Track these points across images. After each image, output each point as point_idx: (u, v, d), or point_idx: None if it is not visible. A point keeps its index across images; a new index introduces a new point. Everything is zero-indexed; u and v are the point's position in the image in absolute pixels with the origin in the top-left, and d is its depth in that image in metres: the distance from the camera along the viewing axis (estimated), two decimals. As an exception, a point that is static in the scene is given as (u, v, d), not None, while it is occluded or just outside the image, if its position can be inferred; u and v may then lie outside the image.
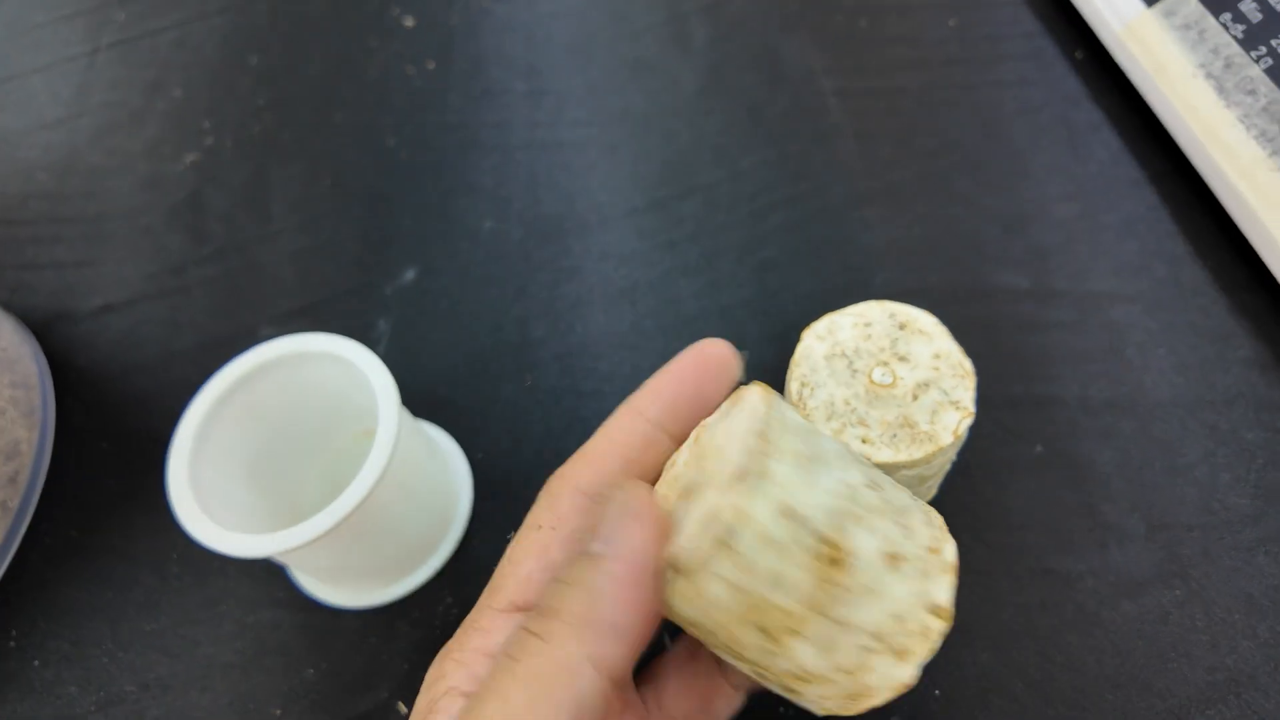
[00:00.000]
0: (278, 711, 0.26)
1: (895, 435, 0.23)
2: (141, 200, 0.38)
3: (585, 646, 0.16)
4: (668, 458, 0.20)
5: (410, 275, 0.35)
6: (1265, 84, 0.32)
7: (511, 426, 0.31)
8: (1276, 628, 0.25)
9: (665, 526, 0.17)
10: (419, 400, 0.31)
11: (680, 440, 0.20)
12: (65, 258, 0.37)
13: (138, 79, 0.42)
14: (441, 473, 0.29)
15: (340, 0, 0.44)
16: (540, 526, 0.19)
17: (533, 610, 0.17)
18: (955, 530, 0.27)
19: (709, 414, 0.20)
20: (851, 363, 0.25)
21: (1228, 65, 0.33)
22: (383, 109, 0.40)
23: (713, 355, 0.20)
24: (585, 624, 0.16)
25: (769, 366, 0.31)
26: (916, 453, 0.23)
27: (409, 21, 0.43)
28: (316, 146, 0.39)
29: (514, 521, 0.25)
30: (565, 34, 0.41)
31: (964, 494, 0.28)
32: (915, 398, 0.24)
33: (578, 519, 0.19)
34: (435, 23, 0.43)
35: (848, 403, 0.24)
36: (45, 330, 0.35)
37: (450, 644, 0.19)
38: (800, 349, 0.25)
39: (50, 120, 0.41)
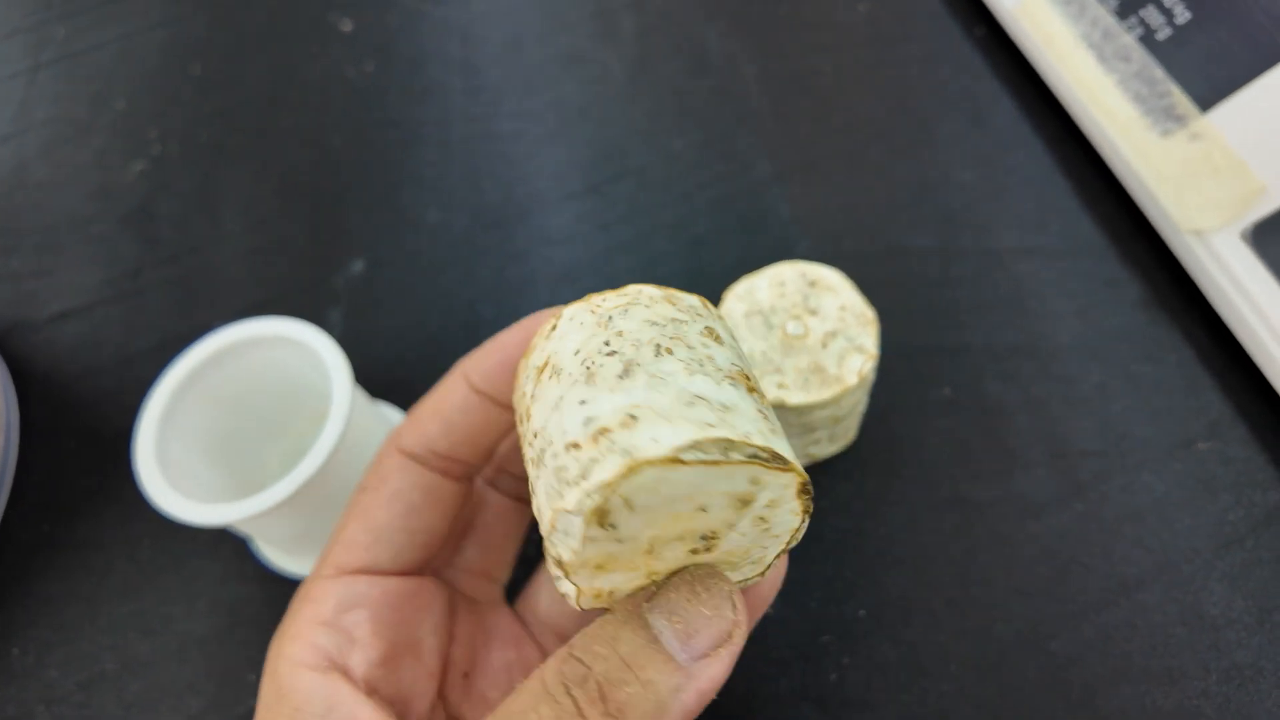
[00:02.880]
0: (253, 678, 0.28)
1: (807, 380, 0.26)
2: (93, 209, 0.39)
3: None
4: (487, 421, 0.20)
5: (359, 267, 0.36)
6: (1137, 51, 0.35)
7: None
8: (1161, 536, 0.28)
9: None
10: (375, 383, 0.33)
11: (502, 402, 0.20)
12: (20, 268, 0.38)
13: (81, 93, 0.43)
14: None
15: (278, 9, 0.46)
16: (365, 489, 0.20)
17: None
18: (876, 467, 0.30)
19: None
20: (767, 318, 0.27)
21: (1105, 35, 0.36)
22: (325, 111, 0.41)
23: (532, 327, 0.20)
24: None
25: (703, 333, 0.33)
26: (826, 393, 0.25)
27: (347, 26, 0.45)
28: (262, 150, 0.41)
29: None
30: (499, 32, 0.43)
31: (882, 435, 0.30)
32: (824, 345, 0.26)
33: (398, 478, 0.20)
34: (373, 26, 0.44)
35: (765, 354, 0.26)
36: (4, 339, 0.36)
37: (285, 618, 0.19)
38: (721, 309, 0.28)
39: (-5, 137, 0.42)
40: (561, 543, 0.14)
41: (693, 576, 0.15)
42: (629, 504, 0.13)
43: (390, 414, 0.32)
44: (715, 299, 0.28)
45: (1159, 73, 0.34)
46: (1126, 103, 0.34)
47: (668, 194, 0.37)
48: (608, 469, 0.13)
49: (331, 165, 0.40)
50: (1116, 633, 0.26)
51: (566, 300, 0.35)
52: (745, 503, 0.14)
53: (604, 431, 0.13)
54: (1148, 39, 0.35)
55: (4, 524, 0.31)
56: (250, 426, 0.29)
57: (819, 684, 0.26)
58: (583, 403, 0.14)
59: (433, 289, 0.36)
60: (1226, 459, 0.29)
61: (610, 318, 0.15)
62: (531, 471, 0.15)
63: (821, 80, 0.40)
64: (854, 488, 0.29)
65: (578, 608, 0.15)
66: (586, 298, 0.16)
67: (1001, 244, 0.34)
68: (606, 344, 0.15)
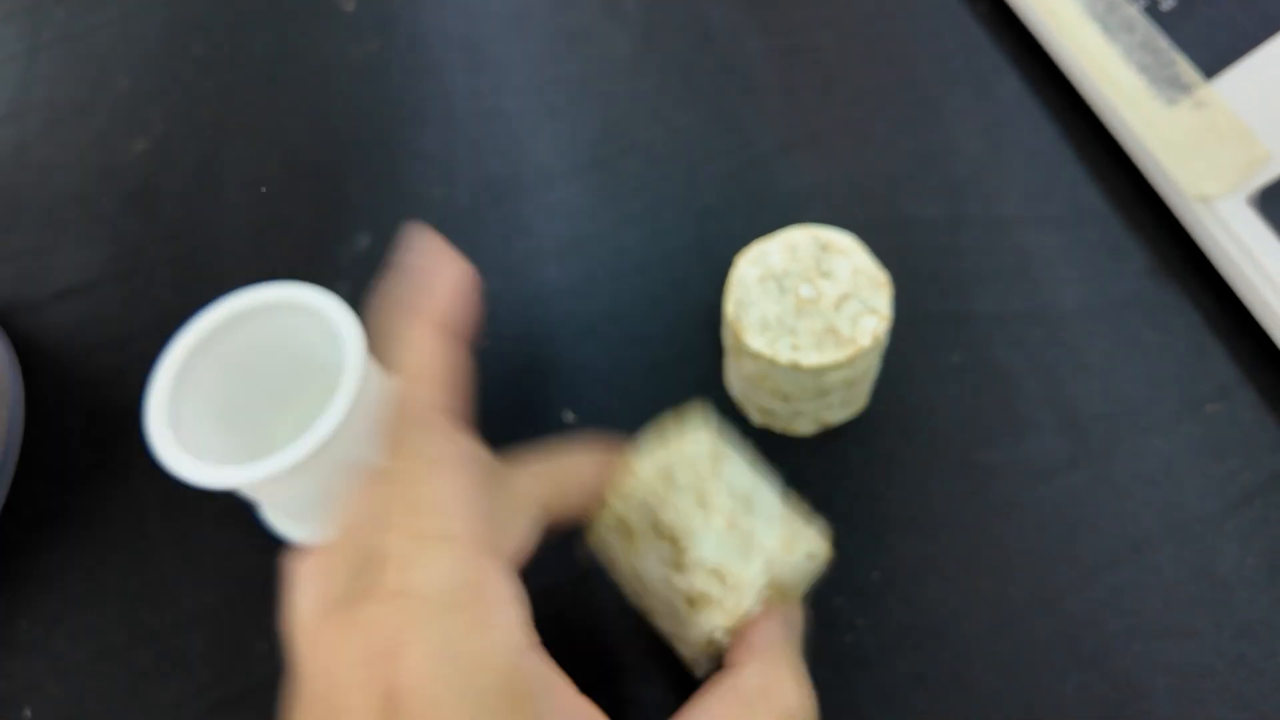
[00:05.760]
0: (265, 646, 0.28)
1: (821, 342, 0.26)
2: (95, 188, 0.39)
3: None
4: (468, 365, 0.21)
5: (365, 242, 0.36)
6: (1141, 21, 0.35)
7: (473, 375, 0.33)
8: (1171, 497, 0.28)
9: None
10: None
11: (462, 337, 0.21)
12: (22, 246, 0.38)
13: (82, 73, 0.43)
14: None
15: (279, -12, 0.45)
16: (443, 460, 0.19)
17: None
18: (888, 433, 0.30)
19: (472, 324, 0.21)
20: (780, 282, 0.27)
21: (1110, 7, 0.36)
22: (328, 89, 0.41)
23: (463, 267, 0.22)
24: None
25: (711, 303, 0.33)
26: (840, 355, 0.25)
27: (349, 6, 0.44)
28: (265, 128, 0.40)
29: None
30: (502, 8, 0.43)
31: (893, 401, 0.30)
32: (838, 308, 0.26)
33: (473, 446, 0.20)
34: (376, 5, 0.44)
35: (779, 317, 0.26)
36: (7, 317, 0.36)
37: (457, 613, 0.17)
38: (734, 274, 0.28)
39: (-6, 117, 0.42)
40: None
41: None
42: None
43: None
44: (723, 269, 0.28)
45: (1163, 42, 0.34)
46: (1131, 73, 0.34)
47: (674, 167, 0.37)
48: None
49: (334, 143, 0.39)
50: (1128, 592, 0.27)
51: (575, 273, 0.35)
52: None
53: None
54: (1152, 9, 0.35)
55: (11, 500, 0.31)
56: (260, 396, 0.29)
57: (833, 646, 0.26)
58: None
59: (439, 263, 0.35)
60: (1235, 421, 0.29)
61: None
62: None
63: (825, 54, 0.40)
64: (866, 453, 0.29)
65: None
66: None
67: (1009, 213, 0.35)
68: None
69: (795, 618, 0.23)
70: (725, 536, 0.21)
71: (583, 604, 0.27)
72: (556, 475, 0.22)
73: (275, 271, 0.36)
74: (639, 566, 0.22)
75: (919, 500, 0.28)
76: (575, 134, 0.39)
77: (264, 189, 0.38)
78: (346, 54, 0.42)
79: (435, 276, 0.21)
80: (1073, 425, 0.30)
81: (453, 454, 0.18)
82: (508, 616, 0.17)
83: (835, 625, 0.27)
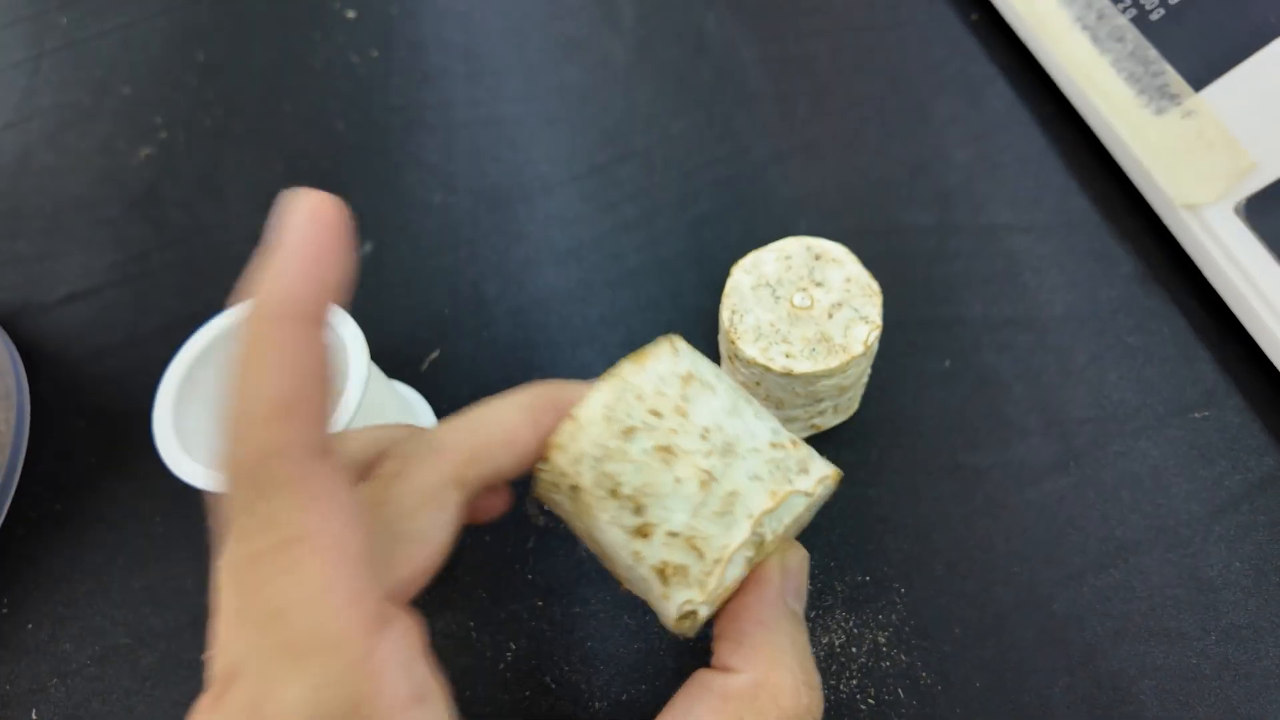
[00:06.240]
0: (267, 648, 0.28)
1: (814, 349, 0.26)
2: (99, 194, 0.40)
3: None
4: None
5: (367, 248, 0.37)
6: (1131, 31, 0.35)
7: (471, 379, 0.33)
8: (1158, 501, 0.29)
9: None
10: (385, 361, 0.33)
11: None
12: (27, 251, 0.38)
13: (86, 80, 0.44)
14: (411, 420, 0.31)
15: (281, -3, 0.46)
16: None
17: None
18: (878, 437, 0.30)
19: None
20: (774, 290, 0.28)
21: (1100, 17, 0.36)
22: (329, 96, 0.42)
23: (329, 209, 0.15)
24: None
25: (706, 310, 0.34)
26: (833, 362, 0.26)
27: (350, 13, 0.45)
28: (267, 135, 0.41)
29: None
30: (500, 18, 0.44)
31: (883, 405, 0.31)
32: (830, 316, 0.27)
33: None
34: (375, 13, 0.45)
35: (773, 324, 0.27)
36: (12, 321, 0.36)
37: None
38: (730, 282, 0.28)
39: (-1, 124, 0.42)
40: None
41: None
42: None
43: (404, 390, 0.32)
44: (718, 275, 0.29)
45: (1152, 52, 0.35)
46: (1121, 82, 0.35)
47: (670, 175, 0.38)
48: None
49: (336, 149, 0.40)
50: (1115, 594, 0.27)
51: (572, 279, 0.35)
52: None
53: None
54: (1141, 19, 0.35)
55: (16, 502, 0.31)
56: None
57: (822, 649, 0.27)
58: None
59: (438, 269, 0.36)
60: (1222, 426, 0.30)
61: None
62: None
63: (819, 63, 0.41)
64: (857, 456, 0.30)
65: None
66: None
67: (997, 220, 0.35)
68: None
69: (795, 570, 0.19)
70: (698, 497, 0.17)
71: (581, 602, 0.28)
72: (476, 435, 0.18)
73: (277, 277, 0.36)
74: (595, 533, 0.18)
75: (909, 503, 0.29)
76: (573, 142, 0.39)
77: (266, 196, 0.39)
78: (347, 61, 0.43)
79: (282, 247, 0.14)
80: (1060, 429, 0.30)
81: (314, 519, 0.14)
82: None
83: (827, 625, 0.27)
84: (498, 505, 0.20)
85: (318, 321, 0.14)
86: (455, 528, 0.17)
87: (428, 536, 0.16)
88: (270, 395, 0.13)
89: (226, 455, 0.14)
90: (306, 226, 0.15)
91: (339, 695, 0.13)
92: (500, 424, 0.18)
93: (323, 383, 0.14)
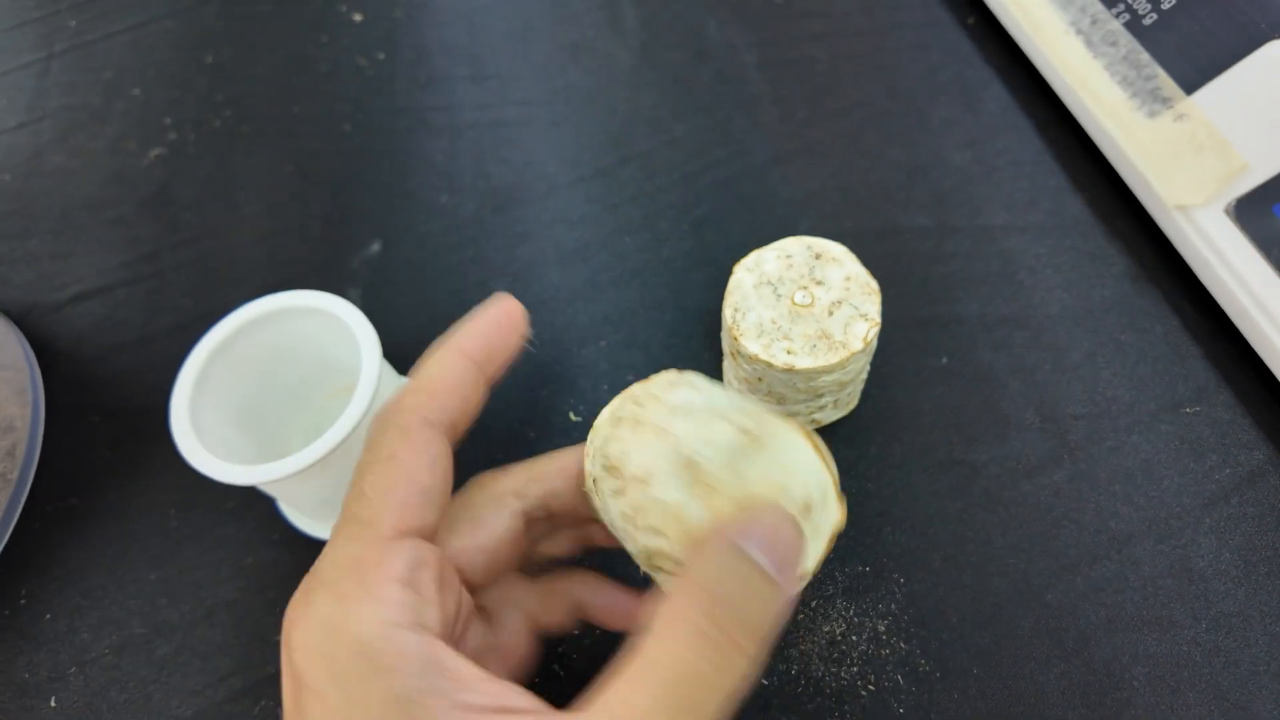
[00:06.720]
0: (281, 640, 0.29)
1: (815, 346, 0.27)
2: (110, 194, 0.40)
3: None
4: (478, 392, 0.22)
5: (375, 248, 0.37)
6: (1124, 36, 0.36)
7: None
8: (1150, 494, 0.29)
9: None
10: (393, 358, 0.34)
11: (490, 377, 0.23)
12: (38, 250, 0.39)
13: (95, 81, 0.44)
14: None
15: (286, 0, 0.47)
16: (396, 457, 0.20)
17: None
18: (877, 432, 0.31)
19: (508, 355, 0.23)
20: (776, 289, 0.28)
21: (1093, 21, 0.37)
22: (337, 98, 0.42)
23: (513, 310, 0.23)
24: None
25: (708, 310, 0.34)
26: (833, 358, 0.27)
27: (357, 17, 0.46)
28: (276, 136, 0.41)
29: (485, 465, 0.28)
30: (504, 21, 0.44)
31: (882, 402, 0.32)
32: (830, 313, 0.27)
33: (434, 445, 0.21)
34: (381, 17, 0.45)
35: (774, 322, 0.28)
36: (24, 319, 0.37)
37: (340, 580, 0.19)
38: (732, 281, 0.29)
39: (9, 125, 0.43)
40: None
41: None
42: None
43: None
44: (720, 275, 0.29)
45: (1145, 57, 0.35)
46: (1114, 86, 0.36)
47: (672, 177, 0.38)
48: None
49: (344, 151, 0.41)
50: (1108, 585, 0.28)
51: (577, 279, 0.36)
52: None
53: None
54: (1134, 24, 0.36)
55: (32, 497, 0.32)
56: (276, 397, 0.30)
57: (823, 637, 0.27)
58: None
59: (444, 269, 0.37)
60: (1213, 421, 0.31)
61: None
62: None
63: (818, 67, 0.41)
64: (856, 452, 0.31)
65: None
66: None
67: (994, 221, 0.36)
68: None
69: (761, 519, 0.18)
70: (680, 469, 0.19)
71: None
72: (538, 463, 0.23)
73: (287, 275, 0.37)
74: (605, 513, 0.21)
75: (906, 497, 0.30)
76: (577, 144, 0.40)
77: (275, 197, 0.39)
78: (354, 64, 0.44)
79: (478, 315, 0.23)
80: (1055, 425, 0.31)
81: (406, 452, 0.20)
82: (386, 593, 0.18)
83: (827, 615, 0.28)
84: (559, 618, 0.24)
85: (480, 364, 0.23)
86: (512, 524, 0.22)
87: (485, 522, 0.22)
88: (434, 384, 0.21)
89: (381, 411, 0.21)
90: (487, 312, 0.23)
91: (352, 554, 0.19)
92: (557, 458, 0.23)
93: (462, 391, 0.22)
